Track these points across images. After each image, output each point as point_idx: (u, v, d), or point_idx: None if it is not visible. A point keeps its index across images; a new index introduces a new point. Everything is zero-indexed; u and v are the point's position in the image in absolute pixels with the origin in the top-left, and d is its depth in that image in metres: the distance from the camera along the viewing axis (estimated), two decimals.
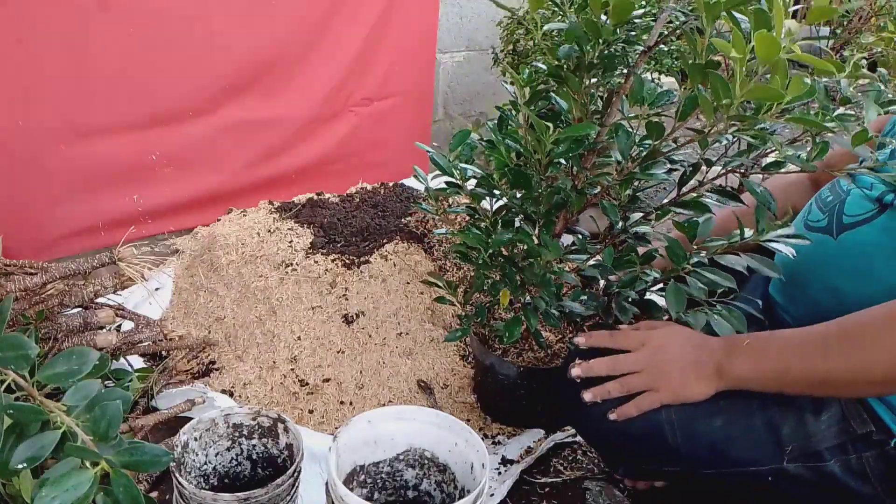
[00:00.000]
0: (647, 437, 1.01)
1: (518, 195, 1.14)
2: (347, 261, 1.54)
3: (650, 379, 1.00)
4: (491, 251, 1.17)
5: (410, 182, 2.28)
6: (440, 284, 1.30)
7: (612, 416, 1.01)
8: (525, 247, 1.14)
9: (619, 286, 1.14)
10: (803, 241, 0.98)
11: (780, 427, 0.97)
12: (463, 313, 1.30)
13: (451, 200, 1.63)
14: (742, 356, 0.96)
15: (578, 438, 1.35)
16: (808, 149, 0.96)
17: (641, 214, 1.15)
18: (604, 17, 0.98)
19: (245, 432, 1.10)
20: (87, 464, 0.76)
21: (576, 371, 1.05)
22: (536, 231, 1.14)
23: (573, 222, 1.22)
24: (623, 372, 1.02)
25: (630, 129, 1.07)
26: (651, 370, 1.01)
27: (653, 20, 1.00)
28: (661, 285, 1.11)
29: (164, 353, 1.50)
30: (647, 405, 0.99)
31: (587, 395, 1.03)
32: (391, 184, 2.05)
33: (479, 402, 1.44)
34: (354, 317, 1.49)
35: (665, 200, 1.12)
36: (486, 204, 1.21)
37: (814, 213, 1.11)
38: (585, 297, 1.18)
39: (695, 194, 1.08)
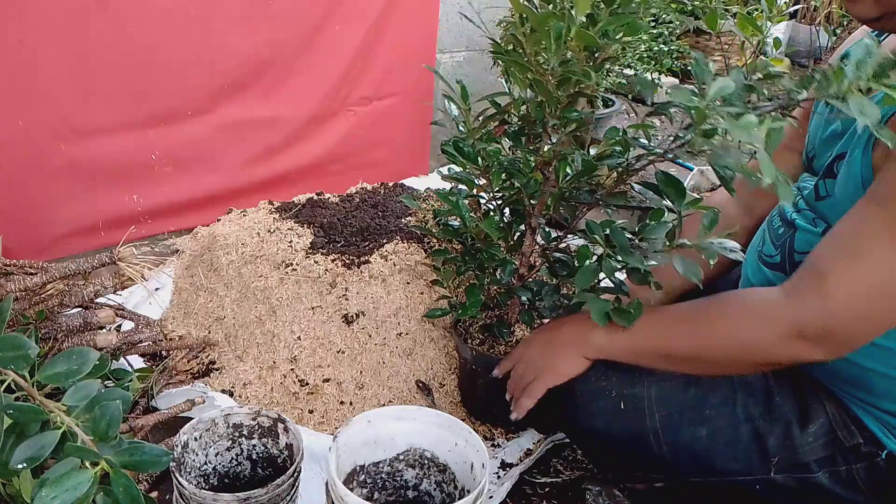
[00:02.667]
0: (633, 446, 1.02)
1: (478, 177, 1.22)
2: (347, 261, 1.54)
3: (531, 369, 1.10)
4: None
5: (410, 182, 2.28)
6: (437, 266, 1.39)
7: (512, 417, 1.13)
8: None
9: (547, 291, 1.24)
10: (739, 256, 0.98)
11: (766, 438, 0.97)
12: (449, 294, 1.35)
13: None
14: (599, 329, 1.03)
15: None
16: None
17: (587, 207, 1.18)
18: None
19: (245, 432, 1.10)
20: (87, 464, 0.76)
21: (495, 372, 1.22)
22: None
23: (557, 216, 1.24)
24: (510, 367, 1.17)
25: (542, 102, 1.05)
26: (529, 362, 1.11)
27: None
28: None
29: (164, 353, 1.50)
30: (537, 392, 1.09)
31: (507, 395, 1.17)
32: (391, 184, 2.05)
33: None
34: (354, 317, 1.49)
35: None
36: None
37: (767, 245, 1.10)
38: (535, 288, 1.24)
39: (623, 187, 1.09)
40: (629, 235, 1.03)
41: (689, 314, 1.00)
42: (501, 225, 1.24)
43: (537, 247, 1.23)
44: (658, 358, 1.01)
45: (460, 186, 1.28)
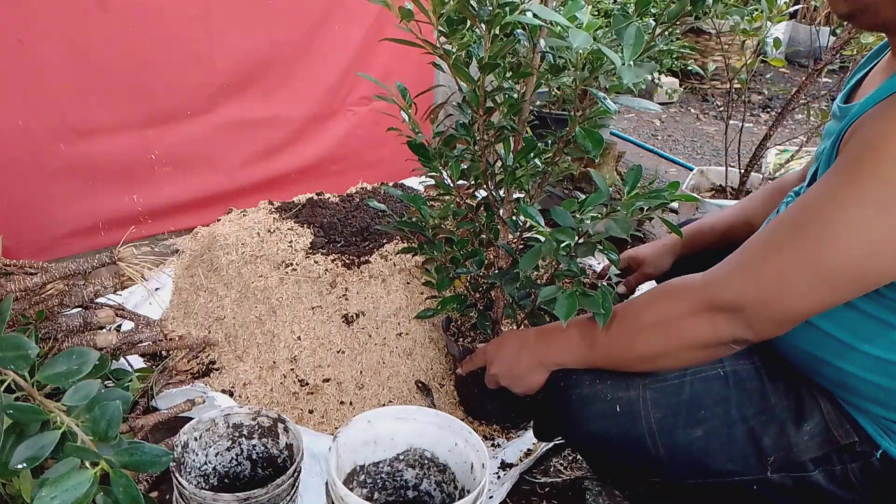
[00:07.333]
0: (629, 450, 1.02)
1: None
2: (347, 261, 1.55)
3: (503, 380, 1.15)
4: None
5: (410, 182, 2.28)
6: (429, 269, 1.40)
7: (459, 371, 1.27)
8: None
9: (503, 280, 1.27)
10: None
11: (761, 438, 0.97)
12: (440, 295, 1.37)
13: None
14: (553, 344, 1.08)
15: None
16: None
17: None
18: None
19: (245, 432, 1.10)
20: (87, 464, 0.76)
21: (459, 371, 1.29)
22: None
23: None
24: (473, 369, 1.23)
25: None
26: (500, 375, 1.15)
27: None
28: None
29: (164, 353, 1.50)
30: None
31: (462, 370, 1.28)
32: (391, 184, 2.05)
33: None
34: (354, 317, 1.49)
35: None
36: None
37: None
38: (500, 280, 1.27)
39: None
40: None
41: (623, 310, 1.03)
42: (470, 217, 1.28)
43: (512, 238, 1.25)
44: (608, 360, 1.03)
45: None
